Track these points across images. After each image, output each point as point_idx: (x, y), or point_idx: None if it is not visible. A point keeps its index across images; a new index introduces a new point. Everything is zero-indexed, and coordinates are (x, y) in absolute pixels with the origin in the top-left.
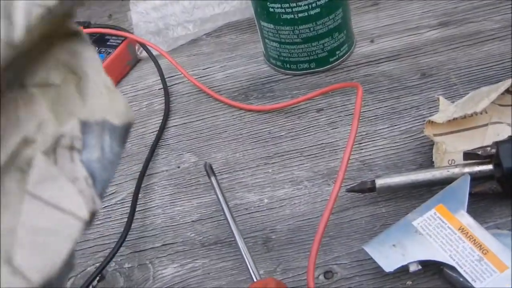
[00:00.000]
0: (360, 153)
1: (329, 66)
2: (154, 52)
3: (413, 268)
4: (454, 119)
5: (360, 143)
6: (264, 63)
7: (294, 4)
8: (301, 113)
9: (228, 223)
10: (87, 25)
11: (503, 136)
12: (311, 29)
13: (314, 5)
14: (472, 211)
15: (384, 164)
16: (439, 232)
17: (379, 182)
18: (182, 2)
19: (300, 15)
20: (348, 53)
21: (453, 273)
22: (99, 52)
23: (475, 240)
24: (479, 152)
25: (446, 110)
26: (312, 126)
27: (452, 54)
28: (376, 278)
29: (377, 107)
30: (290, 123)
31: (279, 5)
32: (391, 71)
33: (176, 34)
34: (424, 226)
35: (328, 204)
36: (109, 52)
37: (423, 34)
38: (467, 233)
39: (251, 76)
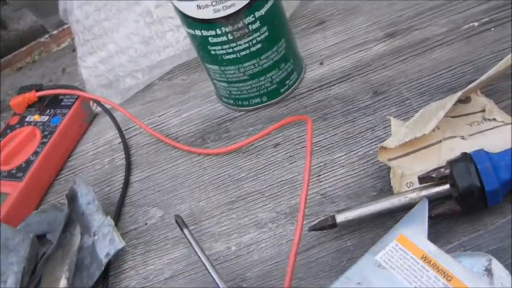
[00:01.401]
0: (320, 185)
1: (281, 97)
2: (108, 106)
3: None
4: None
5: (319, 175)
6: (217, 102)
7: (234, 44)
8: (258, 150)
9: (210, 273)
10: (38, 88)
11: (458, 150)
12: (256, 65)
13: (254, 41)
14: (435, 232)
15: (345, 194)
16: (403, 264)
17: (340, 218)
18: (128, 51)
19: (242, 53)
20: (298, 80)
21: None
22: (55, 115)
23: (438, 267)
24: (434, 175)
25: (398, 132)
26: (270, 163)
27: (401, 67)
28: None
29: (332, 133)
30: (248, 163)
31: (220, 47)
32: (343, 93)
33: (126, 85)
34: (387, 259)
35: (292, 248)
36: (65, 113)
37: (371, 48)
38: (430, 261)
39: (206, 117)
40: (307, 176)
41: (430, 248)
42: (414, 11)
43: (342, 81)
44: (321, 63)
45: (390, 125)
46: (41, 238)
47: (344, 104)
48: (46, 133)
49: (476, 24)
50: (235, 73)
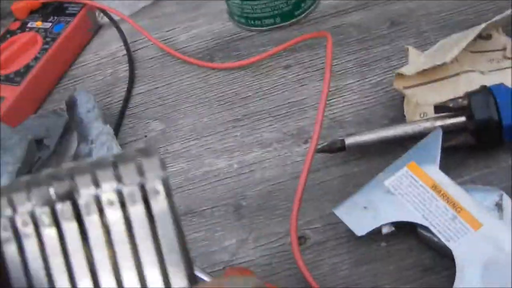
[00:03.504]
0: (330, 109)
1: (295, 19)
2: (116, 17)
3: (385, 230)
4: (424, 70)
5: (330, 99)
6: (228, 21)
7: None
8: (268, 71)
9: None
10: None
11: (476, 85)
12: None
13: None
14: (446, 165)
15: (355, 120)
16: (411, 191)
17: (349, 141)
18: None
19: None
20: (314, 4)
21: (427, 233)
22: (58, 22)
23: (448, 198)
24: (451, 105)
25: (416, 61)
26: (280, 84)
27: (422, 0)
28: (350, 241)
29: (346, 60)
30: (257, 82)
31: None
32: (360, 20)
33: None
34: (396, 185)
35: (304, 165)
36: (69, 21)
37: None
38: (440, 191)
39: (216, 35)
40: (326, 89)
41: (441, 178)
42: None
43: (359, 9)
44: None
45: (406, 55)
46: (38, 143)
47: (360, 31)
48: (48, 39)
49: None
50: None
